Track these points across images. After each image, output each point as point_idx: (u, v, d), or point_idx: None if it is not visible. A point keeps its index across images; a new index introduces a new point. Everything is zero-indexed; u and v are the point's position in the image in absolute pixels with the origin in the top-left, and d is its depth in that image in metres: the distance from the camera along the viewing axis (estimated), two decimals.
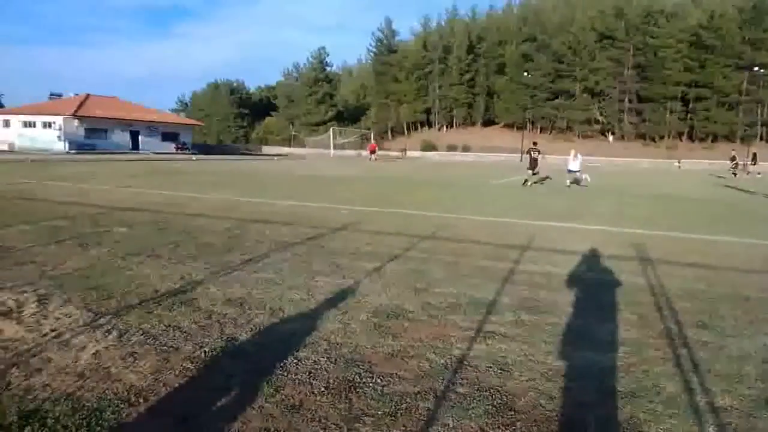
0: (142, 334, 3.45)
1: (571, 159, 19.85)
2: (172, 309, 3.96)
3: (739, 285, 5.08)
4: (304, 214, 9.45)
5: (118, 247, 6.12)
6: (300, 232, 7.52)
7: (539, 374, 3.00)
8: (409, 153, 69.07)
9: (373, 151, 45.92)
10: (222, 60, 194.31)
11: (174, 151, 52.75)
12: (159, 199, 11.27)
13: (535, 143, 20.33)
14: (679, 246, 7.17)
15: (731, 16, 65.78)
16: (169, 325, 3.62)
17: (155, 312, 3.89)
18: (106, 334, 3.45)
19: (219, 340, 3.39)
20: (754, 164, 35.60)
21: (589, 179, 19.50)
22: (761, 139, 65.53)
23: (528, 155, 14.89)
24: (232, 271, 5.16)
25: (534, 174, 18.18)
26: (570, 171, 19.74)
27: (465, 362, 3.15)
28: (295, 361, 3.10)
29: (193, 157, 42.37)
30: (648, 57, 67.53)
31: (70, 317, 3.74)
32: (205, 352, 3.20)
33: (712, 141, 66.19)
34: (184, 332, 3.51)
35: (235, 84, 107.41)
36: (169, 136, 55.37)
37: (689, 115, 68.29)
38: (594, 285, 5.06)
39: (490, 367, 3.09)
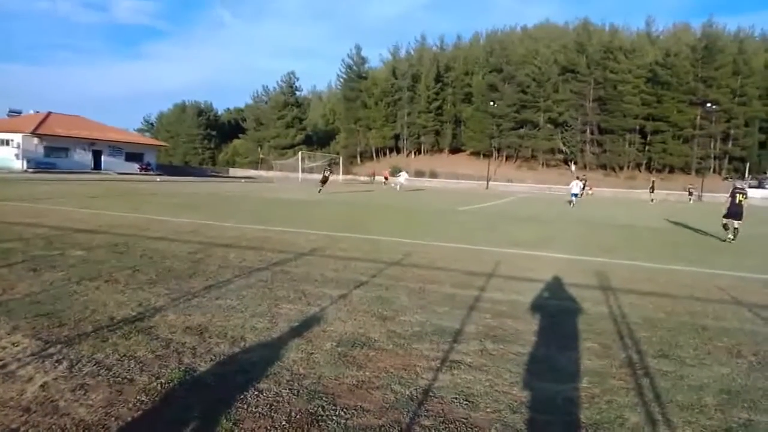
0: (94, 365, 3.29)
1: (573, 185, 27.53)
2: (128, 337, 3.81)
3: (698, 314, 5.21)
4: (270, 238, 9.31)
5: (73, 272, 5.88)
6: (265, 257, 7.39)
7: (505, 405, 2.98)
8: (378, 178, 69.37)
9: (386, 178, 46.67)
10: (190, 81, 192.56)
11: (138, 171, 51.69)
12: (119, 221, 10.94)
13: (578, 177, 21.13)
14: (640, 274, 7.33)
15: (685, 54, 69.25)
16: (124, 355, 3.47)
17: (110, 341, 3.73)
18: (56, 364, 3.29)
19: (177, 370, 3.26)
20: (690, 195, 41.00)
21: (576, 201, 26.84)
22: (714, 171, 68.55)
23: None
24: (193, 297, 5.01)
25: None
26: (573, 195, 27.17)
27: (430, 393, 3.11)
28: (255, 392, 3.00)
29: (158, 178, 41.60)
30: (608, 91, 70.15)
31: (17, 346, 3.55)
32: (161, 383, 3.07)
33: (669, 172, 68.70)
34: (140, 362, 3.36)
35: (203, 105, 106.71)
36: (133, 156, 54.31)
37: (647, 147, 70.94)
38: (558, 313, 5.10)
39: (456, 398, 3.06)
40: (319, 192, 27.91)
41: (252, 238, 9.16)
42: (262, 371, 3.30)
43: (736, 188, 13.16)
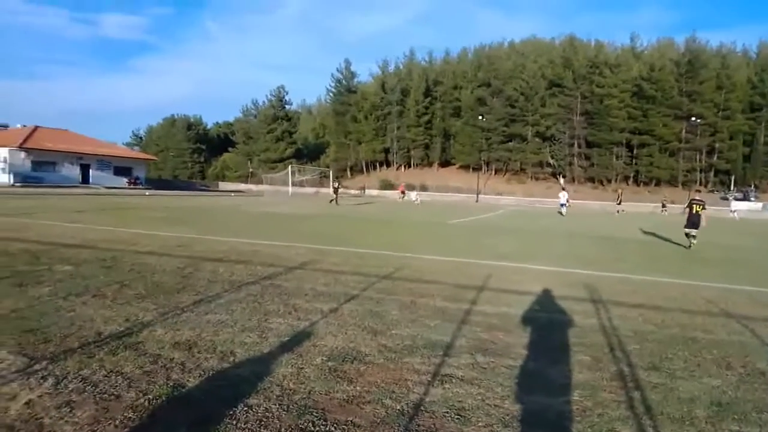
0: (80, 381, 3.24)
1: (562, 197, 31.50)
2: (115, 353, 3.75)
3: (687, 326, 5.24)
4: (260, 252, 9.26)
5: (59, 287, 5.80)
6: (255, 271, 7.35)
7: (496, 419, 2.97)
8: (368, 191, 69.53)
9: (403, 192, 46.99)
10: (179, 95, 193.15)
11: (126, 185, 51.38)
12: (107, 236, 10.84)
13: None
14: (628, 287, 7.37)
15: (669, 69, 70.53)
16: (111, 371, 3.42)
17: (97, 356, 3.67)
18: (41, 381, 3.23)
19: (165, 386, 3.22)
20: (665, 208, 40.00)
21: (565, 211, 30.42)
22: (700, 183, 69.44)
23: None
24: (181, 312, 4.96)
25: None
26: (562, 204, 31.06)
27: (422, 408, 3.09)
28: (245, 408, 2.96)
29: (146, 192, 41.37)
30: (595, 105, 71.14)
31: (1, 363, 3.49)
32: (149, 399, 3.02)
33: (656, 185, 69.55)
34: (127, 378, 3.31)
35: (192, 119, 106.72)
36: (121, 170, 54.07)
37: (634, 161, 71.96)
38: (548, 326, 5.11)
39: (447, 412, 3.04)
40: (334, 203, 31.76)
41: (242, 252, 9.11)
42: (251, 386, 3.27)
43: (693, 200, 14.26)
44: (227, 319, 4.77)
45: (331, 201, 32.58)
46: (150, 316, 4.79)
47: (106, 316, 4.73)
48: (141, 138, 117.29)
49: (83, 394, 3.06)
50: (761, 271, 9.86)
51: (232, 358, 3.76)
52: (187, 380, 3.34)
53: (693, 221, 13.52)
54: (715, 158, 69.29)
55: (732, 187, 66.43)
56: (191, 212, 20.44)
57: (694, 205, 13.81)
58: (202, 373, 3.47)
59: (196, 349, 3.92)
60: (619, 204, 37.66)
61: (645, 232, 18.97)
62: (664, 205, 43.91)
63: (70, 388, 3.13)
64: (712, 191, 68.24)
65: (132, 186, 51.95)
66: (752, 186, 65.75)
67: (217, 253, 8.89)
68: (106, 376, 3.34)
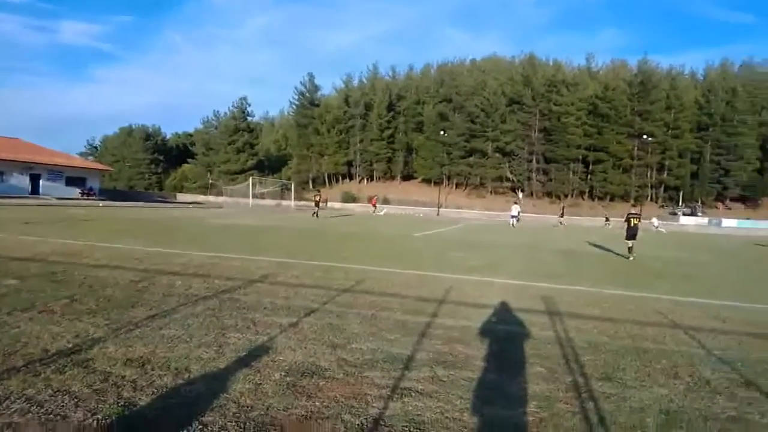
0: (24, 401, 3.09)
1: (514, 209, 34.87)
2: (62, 371, 3.60)
3: (638, 337, 5.41)
4: (219, 265, 9.08)
5: (3, 302, 5.54)
6: (212, 284, 7.20)
7: None
8: (330, 204, 69.28)
9: (374, 205, 46.08)
10: (138, 105, 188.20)
11: (79, 196, 49.62)
12: (57, 248, 10.42)
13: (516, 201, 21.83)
14: (583, 299, 7.56)
15: (622, 89, 73.56)
16: (58, 390, 3.27)
17: (42, 375, 3.52)
18: None
19: (115, 405, 3.10)
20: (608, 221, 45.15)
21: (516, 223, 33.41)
22: (651, 199, 72.20)
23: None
24: (135, 327, 4.81)
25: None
26: (512, 216, 34.21)
27: (381, 422, 3.08)
28: (200, 426, 2.89)
29: (100, 203, 40.04)
30: (552, 122, 73.30)
31: None
32: (97, 420, 2.91)
33: (610, 200, 71.87)
34: (75, 398, 3.18)
35: (150, 129, 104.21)
36: (74, 180, 52.13)
37: (589, 176, 74.33)
38: (507, 338, 5.18)
39: (406, 426, 3.04)
40: (315, 216, 31.50)
41: (199, 265, 8.91)
42: (207, 404, 3.19)
43: (630, 214, 15.62)
44: (183, 334, 4.65)
45: (313, 214, 32.22)
46: (101, 332, 4.63)
47: (53, 332, 4.53)
48: (96, 148, 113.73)
49: (27, 415, 2.92)
50: (708, 284, 10.29)
51: (187, 375, 3.66)
52: (139, 398, 3.23)
53: (632, 233, 14.96)
54: (665, 175, 72.32)
55: (680, 203, 69.36)
56: (147, 224, 19.89)
57: (632, 219, 15.21)
58: (155, 390, 3.36)
59: (150, 366, 3.80)
60: (562, 217, 40.94)
61: (594, 245, 19.51)
62: (607, 219, 46.71)
63: (13, 409, 2.98)
64: (662, 206, 71.02)
65: (85, 197, 50.17)
66: (699, 202, 68.83)
67: (174, 266, 8.67)
68: (52, 395, 3.20)
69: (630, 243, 14.90)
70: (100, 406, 3.09)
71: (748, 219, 59.90)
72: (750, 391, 3.93)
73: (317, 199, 33.62)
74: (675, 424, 3.25)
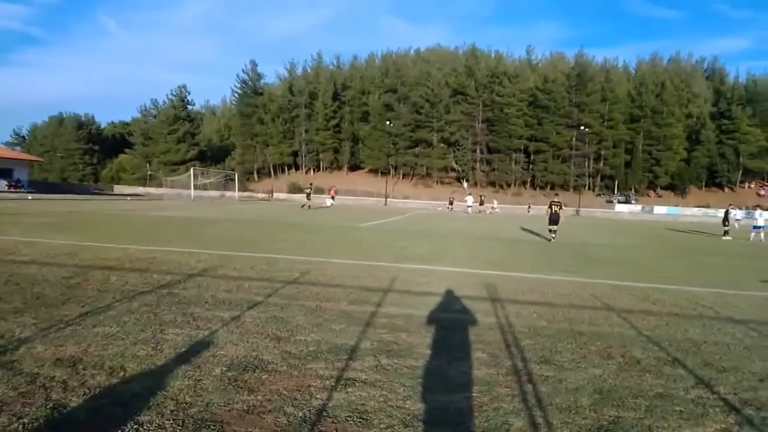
0: None
1: (468, 199, 44.31)
2: None
3: (575, 321, 5.63)
4: (157, 259, 8.76)
5: None
6: (150, 279, 6.94)
7: (398, 420, 3.01)
8: (276, 195, 68.29)
9: (333, 197, 44.92)
10: (69, 92, 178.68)
11: (5, 188, 46.66)
12: None
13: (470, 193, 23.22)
14: (524, 285, 7.80)
15: (561, 81, 76.06)
16: None
17: None
18: None
19: (43, 408, 2.94)
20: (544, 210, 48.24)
21: (470, 211, 41.62)
22: (588, 188, 75.26)
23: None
24: (66, 326, 4.57)
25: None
26: (469, 206, 42.66)
27: (324, 413, 3.07)
28: (135, 426, 2.78)
29: (29, 196, 37.82)
30: (495, 113, 74.95)
31: None
32: (23, 424, 2.75)
33: (551, 189, 74.35)
34: None
35: (83, 118, 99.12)
36: (0, 172, 48.98)
37: (531, 166, 76.62)
38: (450, 325, 5.27)
39: (350, 416, 3.04)
40: (307, 207, 33.59)
41: (136, 260, 8.57)
42: (143, 402, 3.07)
43: (552, 202, 17.08)
44: (118, 331, 4.46)
45: (303, 206, 34.26)
46: (28, 331, 4.37)
47: None
48: (24, 137, 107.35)
49: None
50: (640, 269, 10.83)
51: (122, 374, 3.52)
52: (70, 400, 3.07)
53: (554, 219, 16.65)
54: (601, 164, 75.52)
55: (615, 191, 72.68)
56: (81, 217, 18.94)
57: (554, 206, 16.76)
58: (88, 391, 3.21)
59: (82, 365, 3.63)
60: (481, 205, 46.74)
61: (529, 231, 20.14)
62: (529, 207, 52.23)
63: None
64: (599, 195, 74.22)
65: (12, 189, 47.24)
66: (633, 190, 72.37)
67: (109, 261, 8.31)
68: None
69: (553, 227, 16.67)
70: (26, 409, 2.92)
71: (677, 206, 63.49)
72: (676, 368, 4.17)
73: (309, 191, 35.79)
74: (608, 402, 3.40)
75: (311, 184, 41.20)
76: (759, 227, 22.49)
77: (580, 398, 3.44)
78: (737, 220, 29.53)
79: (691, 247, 17.89)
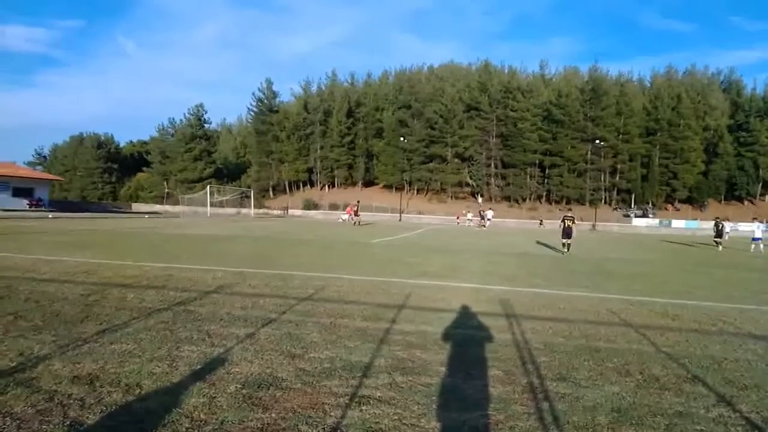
0: None
1: (489, 214, 46.01)
2: (4, 392, 3.43)
3: (591, 337, 5.55)
4: (173, 276, 8.85)
5: None
6: (167, 296, 7.01)
7: None
8: (291, 211, 68.68)
9: (349, 214, 45.16)
10: (89, 113, 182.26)
11: (27, 208, 47.58)
12: (2, 263, 9.96)
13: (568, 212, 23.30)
14: (539, 301, 7.73)
15: (575, 95, 75.86)
16: None
17: None
18: None
19: (61, 425, 2.98)
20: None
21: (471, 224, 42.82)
22: (605, 202, 74.52)
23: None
24: (83, 343, 4.63)
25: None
26: (469, 219, 47.10)
27: (338, 431, 3.06)
28: None
29: (50, 215, 38.51)
30: (509, 127, 74.89)
31: None
32: None
33: (566, 203, 73.84)
34: (17, 419, 3.03)
35: (102, 137, 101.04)
36: (21, 191, 50.05)
37: (546, 180, 76.21)
38: (465, 342, 5.23)
39: None
40: (358, 224, 36.63)
41: (153, 277, 8.67)
42: (158, 420, 3.09)
43: (565, 216, 17.89)
44: (134, 348, 4.51)
45: (355, 224, 37.18)
46: (47, 349, 4.44)
47: None
48: (45, 157, 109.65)
49: None
50: (657, 284, 10.67)
51: (138, 391, 3.55)
52: (87, 417, 3.11)
53: (567, 233, 17.27)
54: (617, 178, 74.79)
55: (633, 205, 71.87)
56: (100, 236, 19.23)
57: (566, 221, 17.48)
58: (104, 408, 3.24)
59: (98, 382, 3.67)
60: (482, 219, 46.64)
61: (544, 245, 19.97)
62: (541, 222, 53.44)
63: None
64: (616, 209, 73.45)
65: (34, 208, 48.17)
66: (650, 204, 71.50)
67: (126, 279, 8.41)
68: None
69: (566, 241, 17.24)
70: (44, 426, 2.96)
71: (695, 220, 62.52)
72: (696, 386, 4.09)
73: (356, 209, 38.53)
74: (626, 421, 3.35)
75: (358, 202, 42.67)
76: (757, 239, 23.67)
77: (597, 416, 3.39)
78: (727, 232, 30.73)
79: (710, 261, 17.58)
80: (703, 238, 36.57)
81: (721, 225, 25.40)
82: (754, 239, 23.94)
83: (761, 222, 27.05)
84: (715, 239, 24.98)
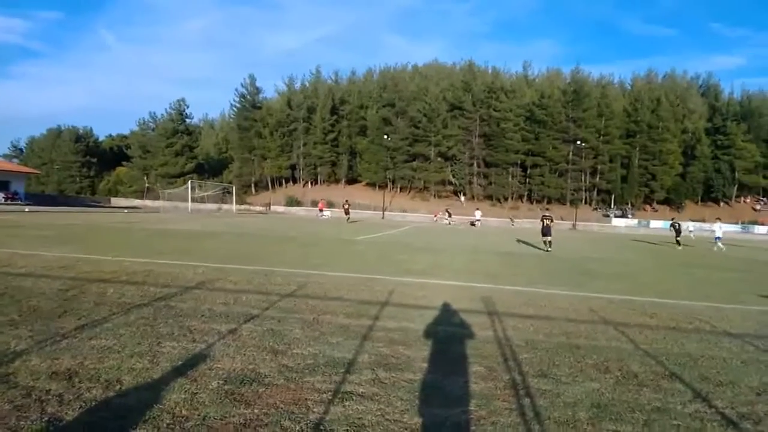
0: None
1: (477, 214, 47.90)
2: None
3: (572, 334, 5.63)
4: (153, 271, 8.74)
5: None
6: (147, 292, 6.93)
7: None
8: (274, 208, 68.29)
9: (321, 210, 46.59)
10: (67, 105, 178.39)
11: (2, 201, 46.56)
12: None
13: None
14: (521, 299, 7.80)
15: (557, 96, 76.65)
16: None
17: None
18: None
19: (38, 421, 2.93)
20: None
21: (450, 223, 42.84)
22: (585, 202, 75.45)
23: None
24: (62, 339, 4.55)
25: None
26: (477, 220, 46.62)
27: (321, 427, 3.06)
28: None
29: (26, 209, 37.71)
30: (492, 127, 75.33)
31: None
32: None
33: (548, 203, 74.60)
34: None
35: (81, 131, 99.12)
36: None
37: (528, 180, 76.92)
38: (447, 339, 5.26)
39: (347, 430, 3.04)
40: (349, 221, 38.06)
41: (133, 273, 8.55)
42: (139, 416, 3.06)
43: (543, 216, 19.28)
44: (114, 344, 4.45)
45: (348, 220, 39.16)
46: (24, 344, 4.36)
47: None
48: (21, 150, 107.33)
49: None
50: (637, 282, 10.84)
51: (118, 387, 3.51)
52: (65, 413, 3.06)
53: (545, 231, 18.53)
54: (597, 179, 75.75)
55: (612, 205, 72.89)
56: (78, 230, 18.88)
57: (545, 220, 18.80)
58: (83, 404, 3.20)
59: (77, 378, 3.61)
60: (450, 217, 50.87)
61: (522, 242, 20.17)
62: (512, 220, 56.02)
63: None
64: (596, 209, 74.42)
65: (9, 202, 47.14)
66: (629, 204, 72.61)
67: (106, 274, 8.28)
68: None
69: (547, 239, 18.35)
70: (21, 423, 2.91)
71: (673, 219, 63.50)
72: (673, 382, 4.17)
73: (347, 207, 40.83)
74: (605, 416, 3.40)
75: (347, 201, 44.27)
76: (719, 238, 24.88)
77: (577, 412, 3.44)
78: (690, 231, 34.64)
79: (687, 261, 17.91)
80: (681, 239, 37.14)
81: (677, 225, 27.23)
82: (716, 238, 25.06)
83: (723, 223, 28.14)
84: (677, 239, 26.26)
